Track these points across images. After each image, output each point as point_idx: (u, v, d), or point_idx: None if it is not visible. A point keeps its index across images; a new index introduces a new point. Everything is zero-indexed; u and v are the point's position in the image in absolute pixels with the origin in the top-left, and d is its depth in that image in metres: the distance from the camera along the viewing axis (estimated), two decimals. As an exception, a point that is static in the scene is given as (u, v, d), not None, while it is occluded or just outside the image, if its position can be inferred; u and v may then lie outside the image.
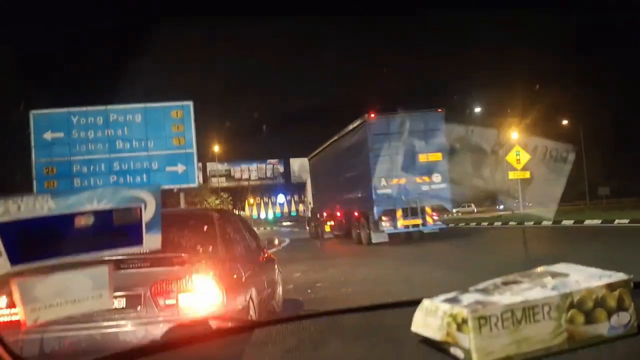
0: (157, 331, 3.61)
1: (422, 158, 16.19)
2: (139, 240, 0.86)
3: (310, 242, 22.49)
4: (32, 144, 14.18)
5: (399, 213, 15.95)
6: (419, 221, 15.93)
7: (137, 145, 14.45)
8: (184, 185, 15.03)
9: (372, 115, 16.93)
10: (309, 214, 26.72)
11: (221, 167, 53.97)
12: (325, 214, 22.59)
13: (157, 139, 14.56)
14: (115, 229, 0.85)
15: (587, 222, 18.63)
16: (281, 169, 55.73)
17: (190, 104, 14.97)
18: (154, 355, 1.19)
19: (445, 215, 22.59)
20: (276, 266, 7.00)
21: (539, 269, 1.11)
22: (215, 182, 50.07)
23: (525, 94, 32.71)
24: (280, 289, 6.99)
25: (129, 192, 0.84)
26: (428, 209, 16.07)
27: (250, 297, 4.68)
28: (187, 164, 14.75)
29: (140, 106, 14.75)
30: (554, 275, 1.05)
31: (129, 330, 3.73)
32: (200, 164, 29.83)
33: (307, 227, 26.88)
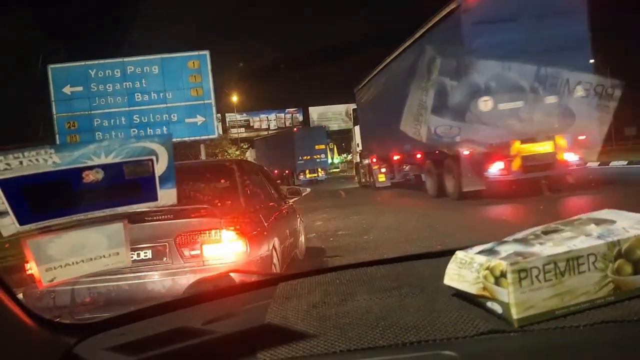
0: (183, 281, 3.68)
1: (317, 147, 34.90)
2: (153, 196, 0.81)
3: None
4: (52, 98, 14.24)
5: (307, 171, 34.53)
6: (316, 175, 34.60)
7: (156, 97, 14.40)
8: (204, 137, 15.04)
9: (295, 129, 39.66)
10: None
11: (240, 117, 53.80)
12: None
13: (175, 90, 14.46)
14: (127, 184, 0.79)
15: (613, 163, 18.78)
16: (300, 117, 55.29)
17: (207, 53, 14.72)
18: (177, 311, 1.17)
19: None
20: (298, 215, 7.02)
21: (582, 216, 1.03)
22: (235, 132, 50.10)
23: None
24: (302, 238, 7.04)
25: (137, 144, 0.77)
26: (319, 170, 34.91)
27: (274, 247, 4.72)
28: (206, 115, 14.68)
29: (156, 57, 14.60)
30: (599, 222, 0.97)
31: (156, 280, 3.80)
32: (219, 115, 31.98)
33: None
